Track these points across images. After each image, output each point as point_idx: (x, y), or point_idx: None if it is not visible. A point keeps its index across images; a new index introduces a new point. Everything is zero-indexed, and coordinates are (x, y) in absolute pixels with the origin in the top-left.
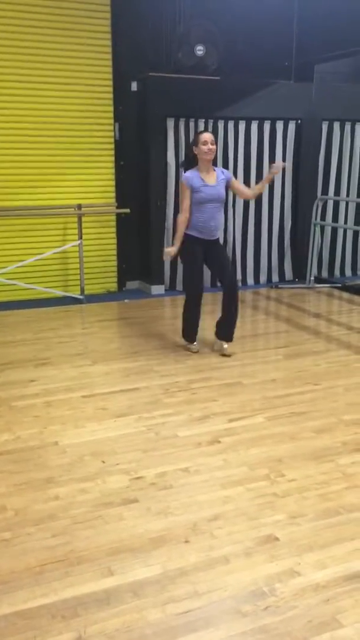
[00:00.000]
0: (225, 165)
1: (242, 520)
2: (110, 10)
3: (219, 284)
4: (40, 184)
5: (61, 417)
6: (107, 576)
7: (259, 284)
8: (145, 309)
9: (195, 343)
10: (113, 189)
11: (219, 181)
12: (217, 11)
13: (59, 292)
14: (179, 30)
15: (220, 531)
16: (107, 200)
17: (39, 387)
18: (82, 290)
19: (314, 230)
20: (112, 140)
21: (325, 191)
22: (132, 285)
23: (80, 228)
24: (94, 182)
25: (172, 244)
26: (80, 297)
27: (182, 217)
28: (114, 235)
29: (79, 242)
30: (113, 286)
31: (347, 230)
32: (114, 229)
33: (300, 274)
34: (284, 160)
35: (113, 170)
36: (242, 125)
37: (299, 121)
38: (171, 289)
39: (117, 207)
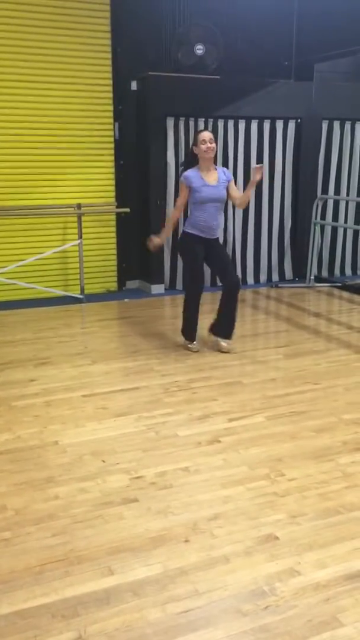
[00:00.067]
0: (225, 165)
1: (242, 519)
2: (110, 9)
3: (219, 283)
4: (40, 183)
5: (61, 417)
6: (107, 575)
7: (259, 283)
8: (145, 309)
9: (195, 342)
10: (113, 188)
11: (220, 182)
12: (217, 10)
13: (59, 292)
14: (179, 29)
15: (220, 530)
16: (107, 199)
17: (39, 387)
18: (82, 289)
19: (314, 229)
20: (111, 139)
21: (325, 190)
22: (132, 284)
23: (80, 227)
24: (93, 181)
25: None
26: (80, 296)
27: (175, 214)
28: (114, 234)
29: (78, 241)
30: (113, 285)
31: (347, 230)
32: (113, 229)
33: (300, 274)
34: (283, 159)
35: (113, 170)
36: (242, 125)
37: (299, 120)
38: (171, 288)
39: (117, 207)
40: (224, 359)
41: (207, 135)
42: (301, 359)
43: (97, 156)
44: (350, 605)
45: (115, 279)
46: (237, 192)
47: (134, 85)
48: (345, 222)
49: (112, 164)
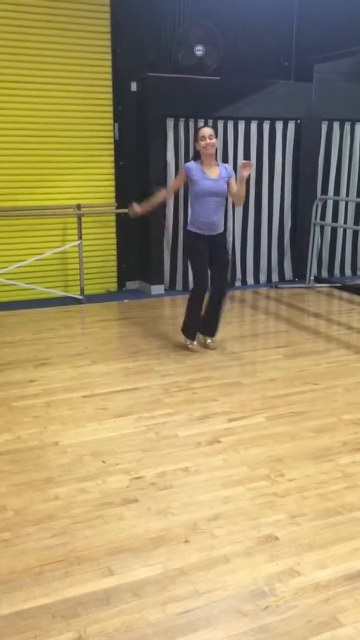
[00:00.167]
0: None
1: (242, 519)
2: (110, 10)
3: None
4: (40, 184)
5: (61, 417)
6: (107, 576)
7: (259, 283)
8: (145, 309)
9: (195, 342)
10: (113, 189)
11: (221, 176)
12: (216, 11)
13: (58, 292)
14: (179, 30)
15: (220, 531)
16: (107, 200)
17: (39, 387)
18: (82, 290)
19: (314, 230)
20: (111, 140)
21: (324, 191)
22: (131, 285)
23: (80, 228)
24: (93, 182)
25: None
26: (80, 297)
27: (164, 193)
28: (114, 235)
29: (78, 242)
30: (113, 286)
31: (347, 230)
32: (113, 229)
33: (300, 274)
34: (283, 160)
35: (113, 171)
36: (241, 125)
37: (299, 121)
38: (171, 288)
39: (117, 207)
40: (224, 359)
41: (206, 131)
42: (301, 359)
43: (97, 157)
44: (350, 606)
45: (115, 279)
46: (234, 187)
47: (133, 86)
48: (345, 222)
49: (112, 164)
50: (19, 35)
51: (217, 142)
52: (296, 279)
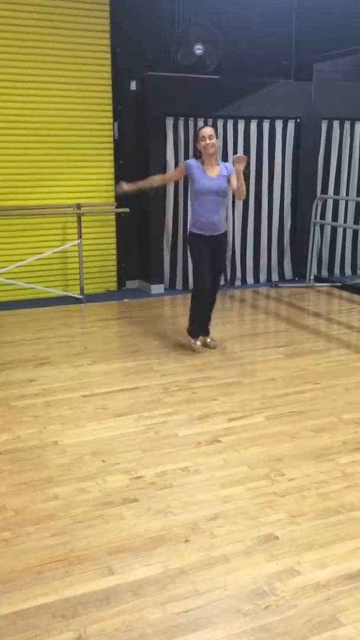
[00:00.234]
0: None
1: (242, 519)
2: (109, 9)
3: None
4: (39, 183)
5: (61, 417)
6: (107, 575)
7: (259, 283)
8: (145, 308)
9: (198, 343)
10: (112, 188)
11: (220, 175)
12: (216, 10)
13: (58, 292)
14: (178, 29)
15: (220, 530)
16: (107, 199)
17: (39, 387)
18: (82, 289)
19: (314, 229)
20: (111, 139)
21: (324, 190)
22: (131, 284)
23: (79, 227)
24: (93, 181)
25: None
26: (80, 296)
27: (157, 178)
28: (114, 234)
29: (78, 241)
30: (113, 285)
31: (347, 229)
32: (113, 229)
33: (300, 273)
34: (283, 159)
35: (112, 170)
36: (241, 125)
37: (298, 120)
38: (171, 288)
39: (117, 207)
40: (224, 359)
41: (206, 131)
42: (301, 358)
43: (96, 156)
44: (350, 605)
45: (115, 279)
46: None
47: (133, 85)
48: (345, 221)
49: (112, 163)
50: (19, 35)
51: (218, 142)
52: (296, 279)
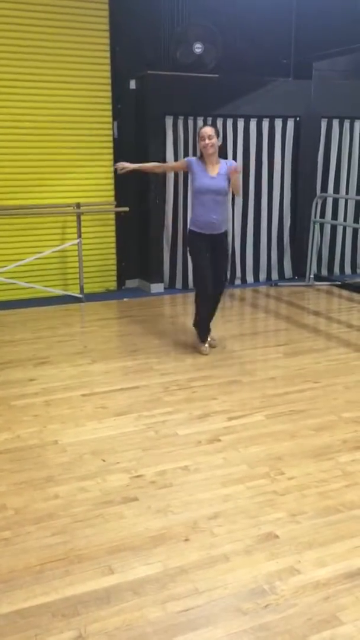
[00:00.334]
0: None
1: (242, 518)
2: (109, 8)
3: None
4: (39, 182)
5: (61, 416)
6: (107, 574)
7: (259, 281)
8: (145, 308)
9: (206, 345)
10: (112, 187)
11: (220, 174)
12: (215, 9)
13: (58, 291)
14: (178, 28)
15: (220, 529)
16: (106, 198)
17: (39, 386)
18: (82, 289)
19: (313, 227)
20: (110, 138)
21: (324, 189)
22: (131, 283)
23: (79, 227)
24: (92, 180)
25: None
26: (80, 295)
27: (157, 164)
28: (113, 233)
29: (78, 240)
30: (112, 285)
31: (347, 228)
32: (113, 228)
33: (299, 272)
34: (282, 158)
35: (112, 169)
36: (240, 123)
37: (298, 119)
38: (170, 287)
39: (116, 206)
40: (224, 358)
41: (206, 131)
42: (301, 357)
43: (96, 155)
44: (350, 604)
45: (115, 278)
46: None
47: (132, 84)
48: (345, 220)
49: (111, 162)
50: (18, 34)
51: (219, 141)
52: (296, 277)
